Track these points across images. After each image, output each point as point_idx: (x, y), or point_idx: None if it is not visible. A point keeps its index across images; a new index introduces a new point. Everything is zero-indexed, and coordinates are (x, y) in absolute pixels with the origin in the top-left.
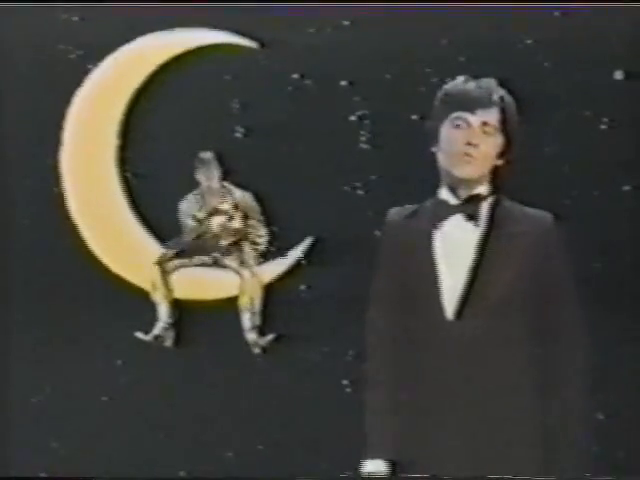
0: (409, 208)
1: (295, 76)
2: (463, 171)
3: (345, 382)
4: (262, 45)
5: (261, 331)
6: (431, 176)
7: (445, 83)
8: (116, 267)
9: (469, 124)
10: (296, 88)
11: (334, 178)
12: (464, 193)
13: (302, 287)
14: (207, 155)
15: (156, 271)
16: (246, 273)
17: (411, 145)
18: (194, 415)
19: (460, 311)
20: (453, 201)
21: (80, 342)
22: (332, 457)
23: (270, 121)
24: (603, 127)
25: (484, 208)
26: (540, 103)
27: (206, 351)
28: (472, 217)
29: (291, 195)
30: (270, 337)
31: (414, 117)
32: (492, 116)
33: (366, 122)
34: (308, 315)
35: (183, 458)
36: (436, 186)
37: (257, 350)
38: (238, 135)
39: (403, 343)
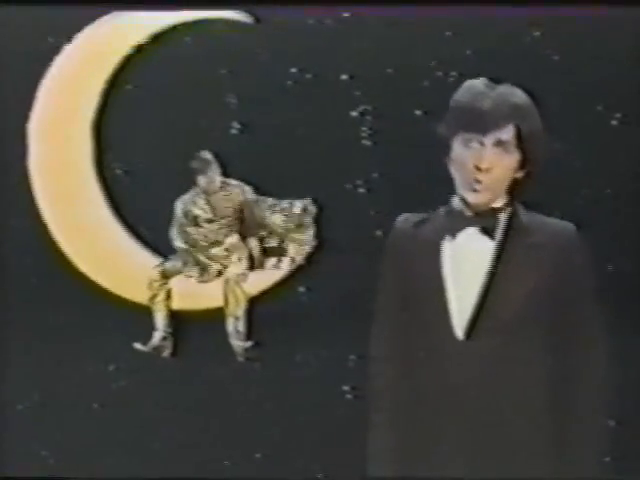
0: (419, 216)
1: (294, 70)
2: (474, 198)
3: (346, 388)
4: (257, 21)
5: (246, 338)
6: (436, 174)
7: (450, 77)
8: (97, 276)
9: (482, 143)
10: (295, 82)
11: (334, 176)
12: (479, 206)
13: (301, 289)
14: (207, 155)
15: (156, 277)
16: (231, 276)
17: (415, 142)
18: (189, 423)
19: (471, 330)
20: (468, 212)
21: (70, 347)
22: (332, 465)
23: (268, 117)
24: (614, 123)
25: (501, 221)
26: (548, 98)
27: (202, 358)
28: (487, 230)
29: (289, 194)
30: (249, 344)
31: (418, 112)
32: (507, 133)
33: (368, 118)
34: (307, 318)
35: (179, 466)
36: (441, 184)
37: (240, 358)
38: (234, 131)
39: (409, 364)
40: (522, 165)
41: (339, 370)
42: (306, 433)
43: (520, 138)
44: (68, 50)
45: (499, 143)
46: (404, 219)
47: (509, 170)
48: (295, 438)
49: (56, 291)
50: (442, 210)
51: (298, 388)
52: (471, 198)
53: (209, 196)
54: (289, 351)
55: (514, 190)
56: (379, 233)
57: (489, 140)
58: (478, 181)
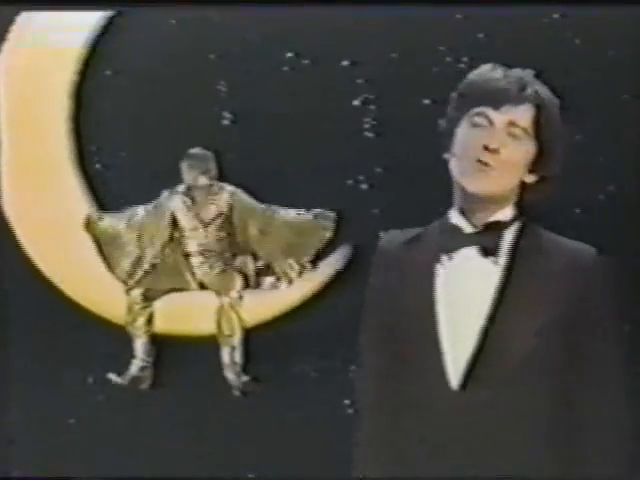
0: (410, 232)
1: (290, 55)
2: (476, 184)
3: (346, 402)
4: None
5: (242, 369)
6: (443, 170)
7: (461, 63)
8: (74, 290)
9: (491, 122)
10: (291, 69)
11: (335, 171)
12: (481, 218)
13: None
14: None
15: (137, 298)
16: (225, 300)
17: (421, 133)
18: (177, 438)
19: (467, 379)
20: (467, 229)
21: (49, 360)
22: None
23: (262, 106)
24: None
25: (506, 240)
26: (569, 85)
27: (189, 386)
28: (490, 251)
29: (286, 191)
30: (245, 378)
31: (425, 102)
32: (522, 114)
33: (371, 107)
34: (306, 326)
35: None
36: (448, 182)
37: (236, 392)
38: (225, 122)
39: (395, 418)
40: (535, 162)
41: (339, 383)
42: (304, 448)
43: (538, 124)
44: (30, 35)
45: (512, 125)
46: (390, 237)
47: (522, 157)
48: (294, 453)
49: (30, 303)
50: (436, 225)
51: (295, 402)
52: (472, 186)
53: (194, 195)
54: (285, 364)
55: (522, 201)
56: (382, 233)
57: (501, 117)
58: (484, 163)
